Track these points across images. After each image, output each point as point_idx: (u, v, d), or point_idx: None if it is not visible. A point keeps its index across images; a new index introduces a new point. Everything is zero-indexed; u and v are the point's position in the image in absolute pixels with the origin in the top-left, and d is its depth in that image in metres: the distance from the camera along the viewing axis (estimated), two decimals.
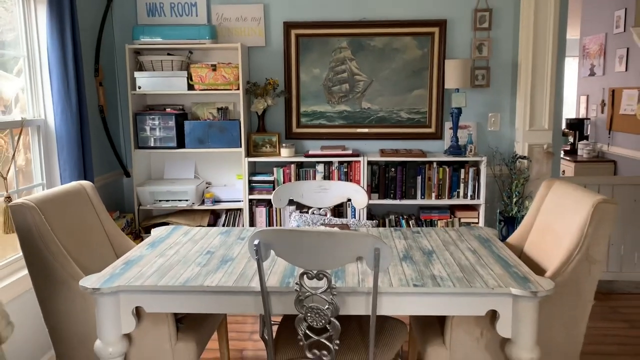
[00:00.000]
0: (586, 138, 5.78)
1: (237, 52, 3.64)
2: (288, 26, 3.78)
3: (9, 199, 2.72)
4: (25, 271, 2.63)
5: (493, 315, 2.11)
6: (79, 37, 3.14)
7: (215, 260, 2.36)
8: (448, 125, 3.83)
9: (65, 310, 2.32)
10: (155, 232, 2.85)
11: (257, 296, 2.06)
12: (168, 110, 3.71)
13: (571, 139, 5.88)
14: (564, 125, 6.34)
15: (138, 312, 2.17)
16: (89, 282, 2.09)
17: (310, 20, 3.78)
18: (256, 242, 1.94)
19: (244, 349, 3.20)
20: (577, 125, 5.82)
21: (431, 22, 3.76)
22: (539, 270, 2.39)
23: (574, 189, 2.41)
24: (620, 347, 3.20)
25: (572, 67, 7.13)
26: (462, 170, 3.66)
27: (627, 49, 4.96)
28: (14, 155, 2.86)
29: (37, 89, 3.12)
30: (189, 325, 2.38)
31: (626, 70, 4.99)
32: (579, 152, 5.60)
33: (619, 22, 5.06)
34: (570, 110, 6.79)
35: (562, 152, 5.88)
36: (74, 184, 2.71)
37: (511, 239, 2.77)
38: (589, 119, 5.80)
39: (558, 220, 2.42)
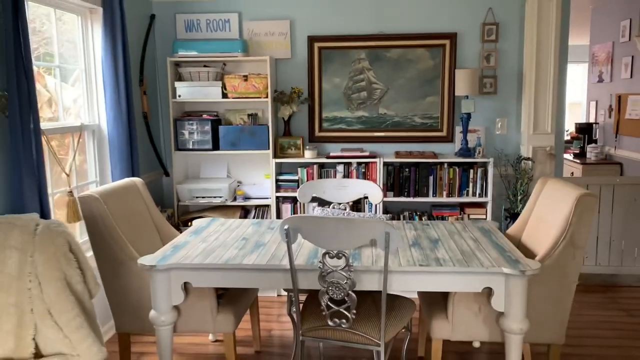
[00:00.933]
0: (595, 142, 6.04)
1: (266, 63, 4.04)
2: (312, 40, 4.16)
3: (70, 193, 3.15)
4: (90, 253, 3.05)
5: (489, 293, 2.45)
6: (129, 52, 3.57)
7: (250, 245, 2.75)
8: (458, 129, 4.17)
9: (123, 287, 2.73)
10: (196, 222, 3.25)
11: (287, 273, 2.43)
12: (204, 116, 4.12)
13: (581, 143, 6.15)
14: (574, 130, 6.60)
15: (186, 288, 2.56)
16: (146, 260, 2.50)
17: (331, 34, 4.16)
18: (286, 227, 2.32)
19: (272, 329, 3.58)
20: (586, 130, 6.09)
21: (442, 35, 4.11)
22: (532, 255, 2.71)
23: (563, 185, 2.74)
24: (615, 331, 3.50)
25: (584, 73, 7.38)
26: (471, 171, 3.99)
27: (632, 57, 5.23)
28: (74, 156, 3.30)
29: (92, 97, 3.56)
30: (228, 300, 2.77)
31: (631, 77, 5.26)
32: (588, 155, 5.87)
33: (624, 31, 5.33)
34: (582, 114, 7.04)
35: (572, 155, 6.15)
36: (127, 180, 3.13)
37: (511, 230, 3.10)
38: (598, 123, 6.07)
39: (549, 212, 2.75)
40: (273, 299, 4.07)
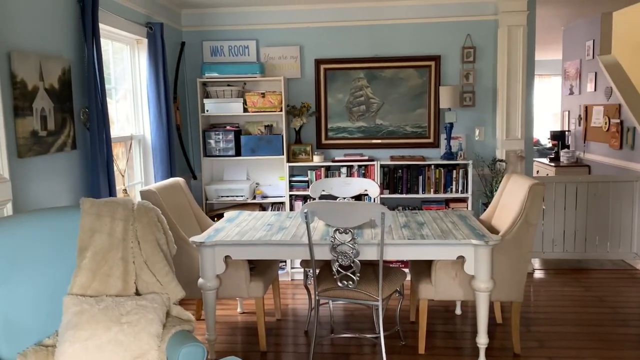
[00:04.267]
0: (567, 147, 6.79)
1: (280, 83, 4.78)
2: (318, 62, 4.91)
3: (125, 190, 3.87)
4: None
5: (463, 261, 3.17)
6: (167, 75, 4.31)
7: (274, 228, 3.46)
8: (443, 136, 4.89)
9: (176, 262, 3.40)
10: (227, 214, 3.97)
11: (306, 247, 3.14)
12: (227, 127, 4.85)
13: (556, 148, 6.89)
14: (549, 136, 7.36)
15: (226, 261, 3.27)
16: (197, 239, 3.22)
17: (335, 57, 4.90)
18: (306, 210, 3.04)
19: (288, 304, 4.29)
20: (559, 136, 6.84)
21: (429, 57, 4.85)
22: (498, 233, 3.43)
23: (522, 178, 3.47)
24: (574, 302, 4.22)
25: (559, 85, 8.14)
26: (454, 171, 4.71)
27: (595, 73, 5.99)
28: (127, 160, 4.02)
29: (138, 112, 4.29)
30: (258, 271, 3.48)
31: (595, 90, 6.02)
32: (561, 159, 6.61)
33: (589, 50, 6.09)
34: (557, 123, 7.78)
35: (548, 159, 6.90)
36: (173, 179, 3.86)
37: (483, 216, 3.83)
38: (570, 130, 6.82)
39: (511, 200, 3.48)
40: (288, 283, 4.78)
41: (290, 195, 4.82)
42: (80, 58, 3.26)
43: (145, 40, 4.17)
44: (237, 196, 4.79)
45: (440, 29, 4.83)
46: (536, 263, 5.19)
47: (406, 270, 4.27)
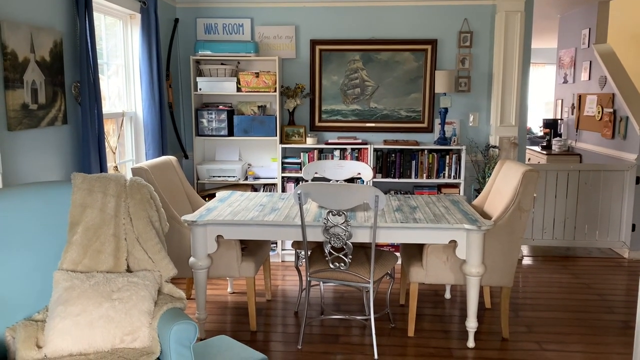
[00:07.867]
0: (559, 135, 6.81)
1: (274, 63, 4.72)
2: (314, 43, 4.85)
3: (116, 167, 3.82)
4: None
5: (454, 246, 3.18)
6: (161, 51, 4.24)
7: (267, 209, 3.44)
8: (437, 121, 4.88)
9: (167, 240, 3.39)
10: (219, 194, 3.94)
11: (298, 228, 3.14)
12: (220, 107, 4.80)
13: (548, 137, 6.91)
14: (541, 125, 7.37)
15: (218, 241, 3.25)
16: (188, 217, 3.19)
17: (331, 38, 4.85)
18: (299, 191, 3.03)
19: (278, 285, 4.29)
20: (552, 125, 6.85)
21: (425, 41, 4.82)
22: (490, 218, 3.44)
23: (515, 164, 3.47)
24: (562, 288, 4.26)
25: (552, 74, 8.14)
26: (447, 157, 4.70)
27: (590, 61, 5.99)
28: (118, 137, 3.97)
29: (130, 89, 4.23)
30: (249, 252, 3.47)
31: (589, 79, 6.02)
32: (553, 147, 6.63)
33: (584, 39, 6.08)
34: (550, 111, 7.80)
35: (540, 147, 6.92)
36: (165, 157, 3.82)
37: (476, 201, 3.84)
38: (562, 119, 6.84)
39: (504, 185, 3.48)
40: (278, 264, 4.78)
41: (283, 177, 4.80)
42: (73, 31, 3.19)
43: (139, 16, 4.09)
44: (228, 176, 4.76)
45: (438, 12, 4.79)
46: (525, 250, 5.23)
47: (397, 253, 4.28)
